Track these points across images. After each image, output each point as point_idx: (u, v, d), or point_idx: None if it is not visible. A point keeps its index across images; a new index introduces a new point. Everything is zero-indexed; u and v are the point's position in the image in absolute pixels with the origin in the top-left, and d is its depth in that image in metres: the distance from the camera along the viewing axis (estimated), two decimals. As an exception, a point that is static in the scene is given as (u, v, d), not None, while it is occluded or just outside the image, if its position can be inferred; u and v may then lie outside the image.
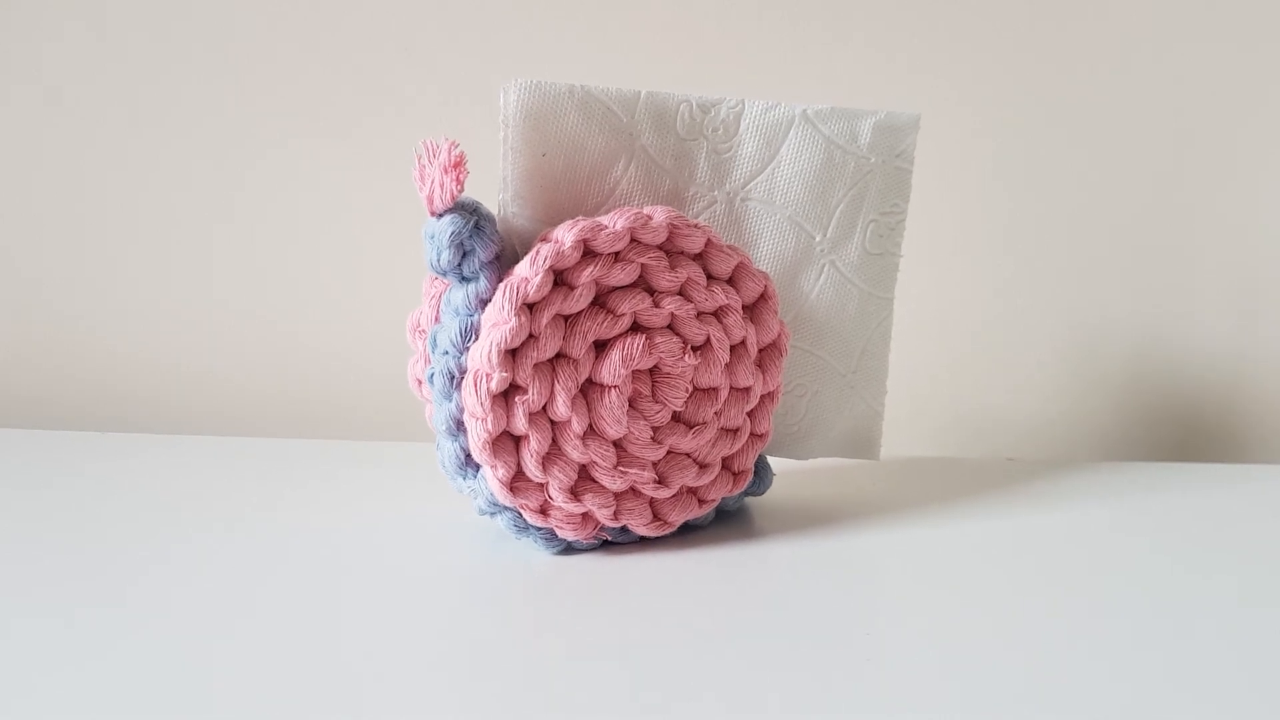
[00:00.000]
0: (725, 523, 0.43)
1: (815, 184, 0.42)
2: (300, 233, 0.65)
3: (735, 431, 0.41)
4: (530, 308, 0.37)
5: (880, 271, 0.44)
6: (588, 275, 0.37)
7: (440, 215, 0.37)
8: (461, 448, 0.38)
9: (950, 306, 0.59)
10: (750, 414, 0.41)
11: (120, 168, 0.65)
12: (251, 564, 0.39)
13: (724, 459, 0.41)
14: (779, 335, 0.41)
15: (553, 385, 0.37)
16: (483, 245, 0.37)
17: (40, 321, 0.67)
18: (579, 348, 0.37)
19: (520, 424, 0.37)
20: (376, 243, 0.64)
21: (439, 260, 0.37)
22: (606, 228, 0.37)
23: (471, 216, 0.37)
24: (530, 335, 0.37)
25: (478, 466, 0.39)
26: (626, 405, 0.38)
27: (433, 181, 0.37)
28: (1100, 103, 0.58)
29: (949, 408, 0.59)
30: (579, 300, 0.37)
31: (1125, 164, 0.58)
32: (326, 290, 0.65)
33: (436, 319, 0.40)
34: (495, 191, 0.39)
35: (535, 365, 0.37)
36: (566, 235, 0.37)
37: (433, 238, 0.37)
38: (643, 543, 0.41)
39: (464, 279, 0.38)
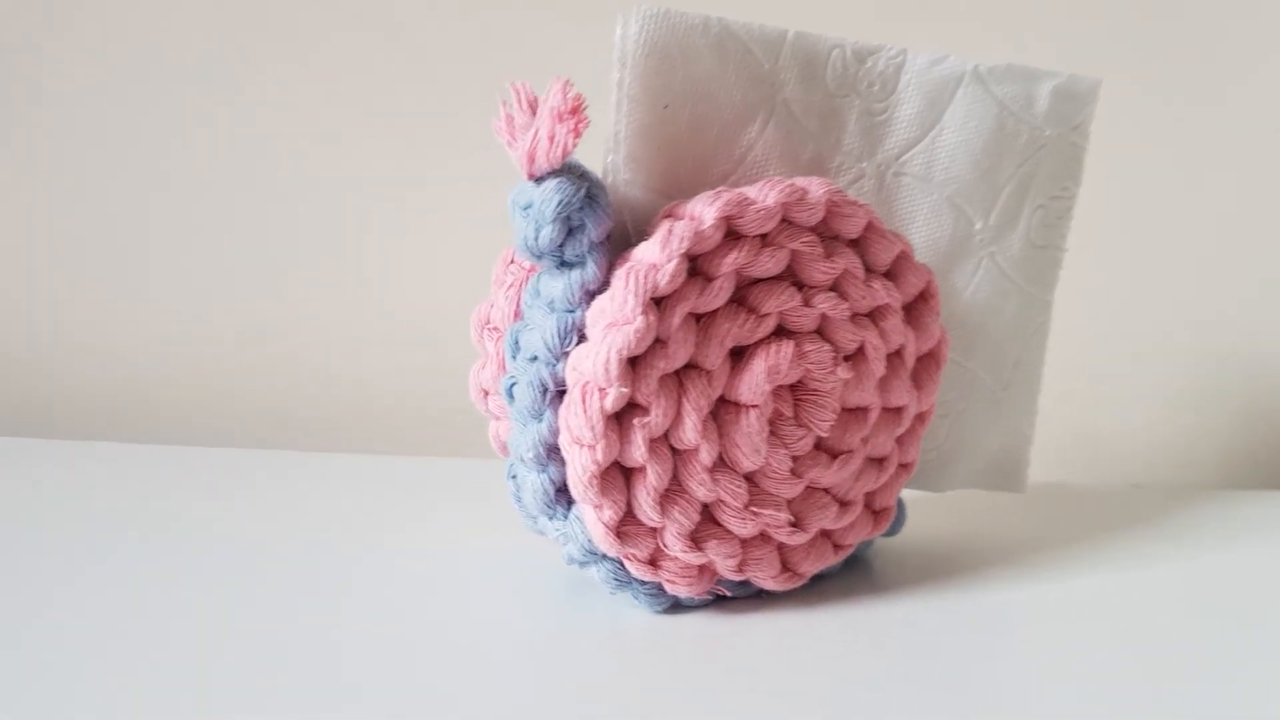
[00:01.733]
0: (849, 569, 0.35)
1: (982, 158, 0.34)
2: (314, 235, 0.57)
3: (882, 461, 0.33)
4: (658, 304, 0.28)
5: (1042, 268, 0.36)
6: (730, 263, 0.29)
7: (541, 179, 0.29)
8: (552, 480, 0.30)
9: (1065, 313, 0.52)
10: (899, 440, 0.33)
11: (120, 171, 0.58)
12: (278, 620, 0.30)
13: (866, 495, 0.33)
14: (939, 343, 0.33)
15: (679, 404, 0.29)
16: (595, 220, 0.29)
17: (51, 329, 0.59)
18: (714, 356, 0.29)
19: (638, 453, 0.29)
20: (396, 242, 0.56)
21: (537, 238, 0.29)
22: (755, 202, 0.29)
23: (582, 183, 0.28)
24: (658, 340, 0.28)
25: (569, 504, 0.30)
26: (768, 429, 0.30)
27: (538, 133, 0.28)
28: (1242, 101, 0.51)
29: (1065, 427, 0.52)
30: (717, 295, 0.29)
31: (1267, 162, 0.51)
32: (344, 297, 0.58)
33: (517, 314, 0.31)
34: (599, 155, 0.31)
35: (662, 378, 0.28)
36: (707, 210, 0.28)
37: (528, 209, 0.29)
38: (760, 596, 0.33)
39: (565, 264, 0.29)
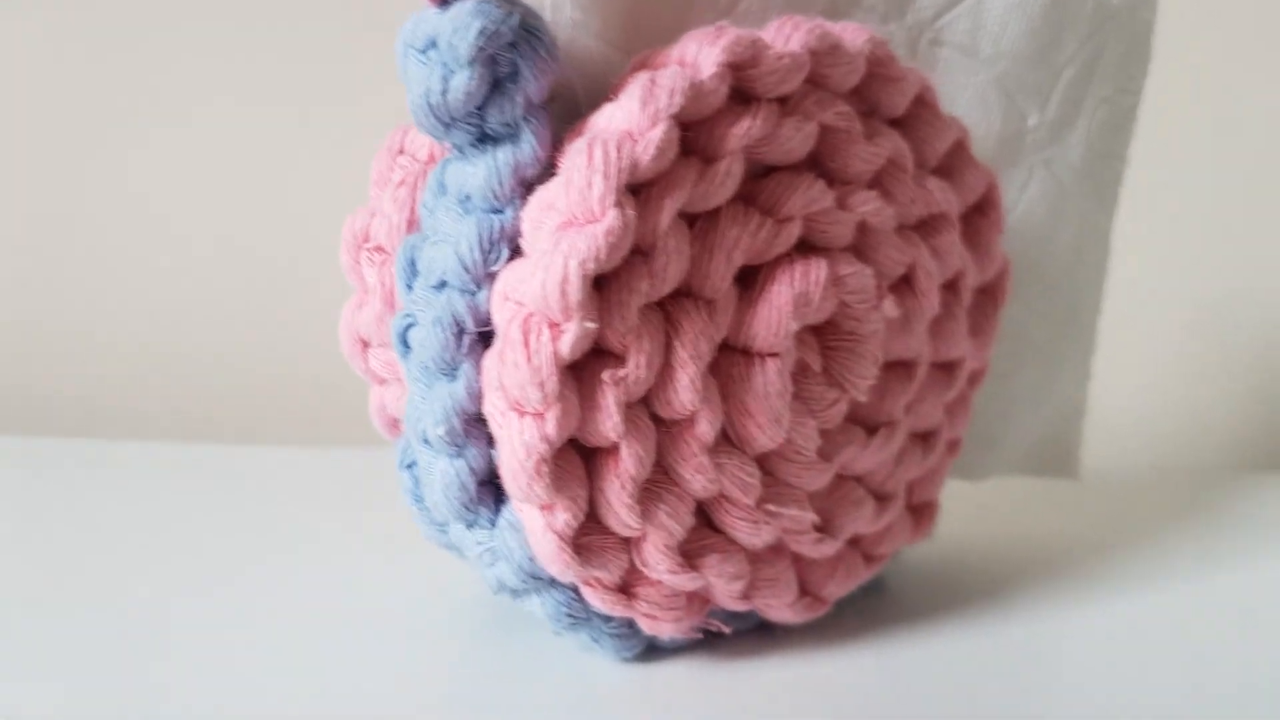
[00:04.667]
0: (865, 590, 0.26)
1: (1042, 27, 0.25)
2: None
3: (928, 437, 0.24)
4: (635, 193, 0.18)
5: (1105, 182, 0.28)
6: (740, 134, 0.19)
7: (444, 2, 0.18)
8: (472, 469, 0.20)
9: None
10: (949, 408, 0.24)
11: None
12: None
13: (908, 485, 0.24)
14: (1001, 273, 0.24)
15: (669, 349, 0.19)
16: (534, 66, 0.19)
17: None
18: (718, 278, 0.19)
19: (608, 424, 0.19)
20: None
21: (445, 91, 0.18)
22: (773, 48, 0.19)
23: (513, 9, 0.18)
24: (637, 249, 0.18)
25: (498, 504, 0.20)
26: (791, 389, 0.20)
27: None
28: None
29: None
30: (722, 184, 0.19)
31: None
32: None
33: (412, 225, 0.21)
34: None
35: (644, 309, 0.19)
36: (706, 53, 0.19)
37: (429, 50, 0.19)
38: (760, 631, 0.23)
39: (486, 138, 0.19)
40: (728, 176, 0.19)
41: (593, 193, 0.18)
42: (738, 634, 0.23)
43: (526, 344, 0.18)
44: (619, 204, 0.18)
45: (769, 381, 0.20)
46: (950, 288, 0.23)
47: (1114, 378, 0.43)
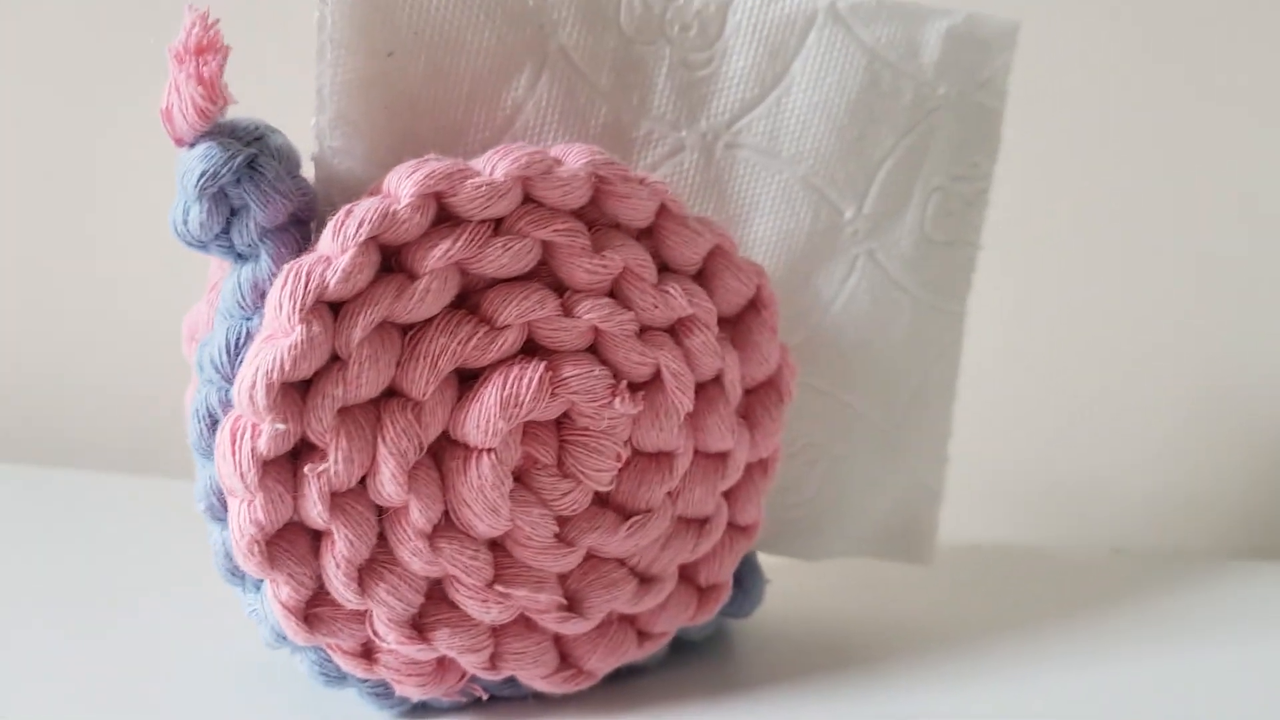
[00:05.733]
0: (689, 660, 0.27)
1: (848, 124, 0.26)
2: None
3: (703, 523, 0.25)
4: (336, 310, 0.21)
5: (947, 270, 0.28)
6: (440, 255, 0.21)
7: (191, 145, 0.22)
8: (226, 540, 0.23)
9: (1040, 342, 0.43)
10: (729, 495, 0.25)
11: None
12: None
13: (683, 568, 0.25)
14: (779, 369, 0.25)
15: (374, 446, 0.21)
16: (259, 198, 0.21)
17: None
18: (423, 382, 0.21)
19: (314, 511, 0.21)
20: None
21: (185, 221, 0.22)
22: (476, 175, 0.21)
23: (241, 148, 0.21)
24: (335, 358, 0.21)
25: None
26: (509, 482, 0.22)
27: (170, 87, 0.21)
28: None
29: (1037, 480, 0.42)
30: (426, 301, 0.21)
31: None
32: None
33: (210, 322, 0.24)
34: (309, 117, 0.23)
35: (342, 410, 0.21)
36: (404, 183, 0.21)
37: (180, 182, 0.22)
38: (550, 699, 0.25)
39: (237, 256, 0.22)
40: (428, 293, 0.21)
41: (282, 312, 0.20)
42: (513, 698, 0.25)
43: (234, 441, 0.21)
44: (305, 321, 0.20)
45: (483, 475, 0.22)
46: (714, 383, 0.24)
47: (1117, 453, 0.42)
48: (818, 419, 0.28)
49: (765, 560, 0.28)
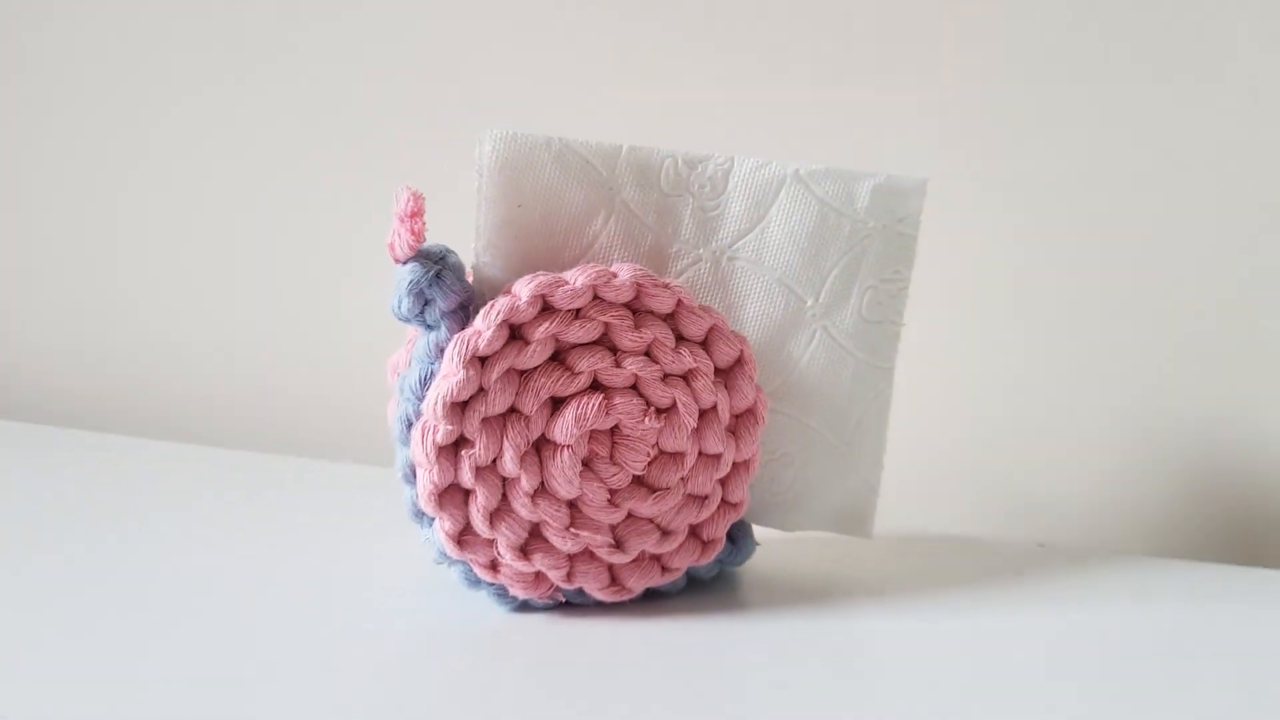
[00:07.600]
0: (702, 592, 0.42)
1: (807, 246, 0.40)
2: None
3: (704, 499, 0.39)
4: (483, 361, 0.36)
5: (879, 340, 0.42)
6: (543, 331, 0.36)
7: (404, 262, 0.37)
8: (414, 495, 0.38)
9: (986, 371, 0.56)
10: (722, 481, 0.40)
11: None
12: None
13: (691, 526, 0.40)
14: (755, 402, 0.39)
15: (501, 441, 0.36)
16: (443, 295, 0.37)
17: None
18: (531, 404, 0.37)
19: (466, 477, 0.36)
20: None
21: (399, 307, 0.37)
22: (566, 284, 0.36)
23: (434, 266, 0.37)
24: (480, 389, 0.36)
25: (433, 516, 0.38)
26: (579, 466, 0.37)
27: (393, 230, 0.37)
28: (1163, 152, 0.53)
29: (981, 484, 0.55)
30: (533, 355, 0.36)
31: (1199, 222, 0.53)
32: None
33: (409, 363, 0.40)
34: (471, 242, 0.39)
35: (484, 420, 0.36)
36: (524, 289, 0.36)
37: (396, 285, 0.37)
38: (606, 606, 0.40)
39: (428, 326, 0.38)
40: (537, 352, 0.36)
41: (453, 361, 0.36)
42: (583, 604, 0.40)
43: (422, 436, 0.36)
44: (464, 367, 0.36)
45: (564, 461, 0.37)
46: (711, 410, 0.39)
47: (1051, 461, 0.54)
48: (790, 436, 0.42)
49: (758, 531, 0.42)
